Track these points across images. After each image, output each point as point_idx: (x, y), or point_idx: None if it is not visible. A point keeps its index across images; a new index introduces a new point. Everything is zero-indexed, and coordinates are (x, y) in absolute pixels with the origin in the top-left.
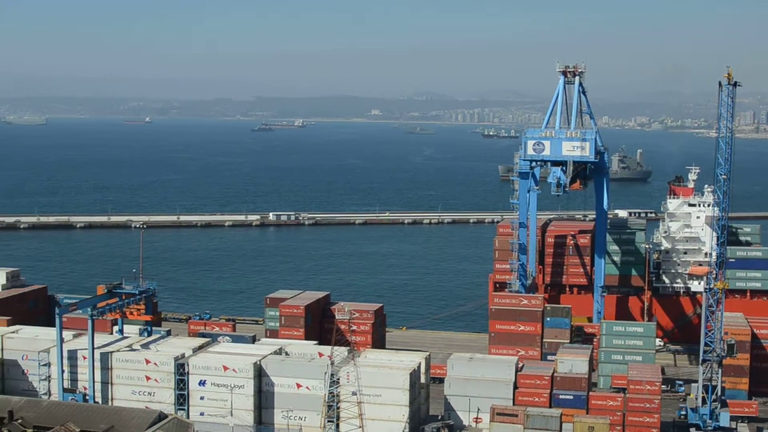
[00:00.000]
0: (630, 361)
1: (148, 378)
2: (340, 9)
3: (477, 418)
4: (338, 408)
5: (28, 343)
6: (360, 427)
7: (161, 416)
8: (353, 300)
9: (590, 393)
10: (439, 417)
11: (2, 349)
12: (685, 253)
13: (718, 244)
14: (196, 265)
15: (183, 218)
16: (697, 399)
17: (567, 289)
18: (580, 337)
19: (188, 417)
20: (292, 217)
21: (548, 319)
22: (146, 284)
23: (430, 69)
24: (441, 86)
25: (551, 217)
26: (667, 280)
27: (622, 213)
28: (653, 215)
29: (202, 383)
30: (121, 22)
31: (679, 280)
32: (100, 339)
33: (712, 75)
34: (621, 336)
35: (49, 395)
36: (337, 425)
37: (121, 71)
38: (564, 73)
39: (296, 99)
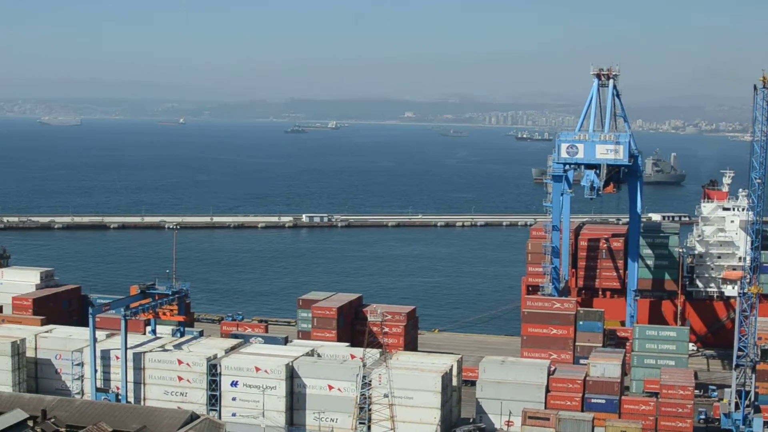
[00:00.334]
0: (663, 366)
1: (180, 378)
2: (375, 14)
3: (509, 421)
4: (370, 410)
5: (61, 343)
6: (392, 429)
7: (193, 417)
8: (386, 302)
9: (623, 397)
10: (471, 420)
11: (36, 349)
12: (719, 257)
13: (752, 248)
14: (228, 266)
15: (216, 219)
16: (730, 404)
17: (600, 292)
18: (613, 341)
19: (220, 418)
20: (325, 219)
21: (581, 322)
22: (179, 285)
23: (464, 72)
24: (475, 89)
25: (584, 220)
26: (700, 285)
27: (656, 217)
28: (687, 219)
29: (234, 384)
30: (155, 26)
31: (712, 285)
32: (133, 339)
33: (747, 78)
34: (654, 340)
35: (82, 395)
36: (369, 427)
37: (156, 74)
38: (598, 76)
39: (330, 101)
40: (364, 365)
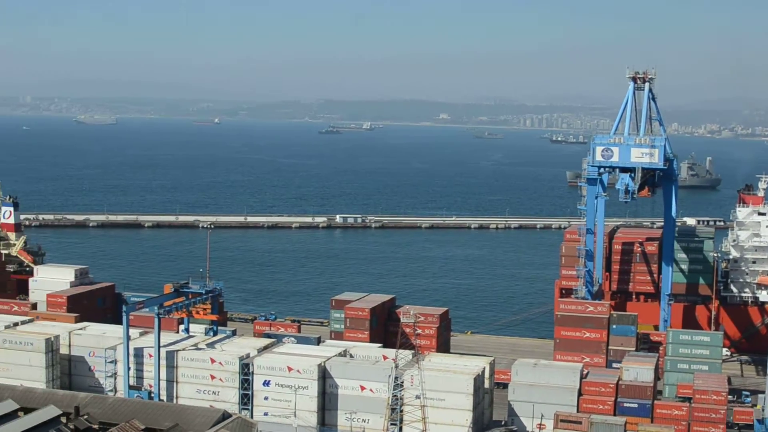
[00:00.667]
0: (696, 371)
1: (212, 377)
2: (410, 15)
3: (540, 424)
4: (401, 411)
5: (95, 340)
6: (423, 430)
7: (225, 415)
8: (418, 303)
9: (655, 402)
10: (503, 422)
11: (70, 346)
12: (754, 262)
13: None
14: (262, 265)
15: (250, 219)
16: (764, 410)
17: (633, 296)
18: (646, 345)
19: (252, 417)
20: (359, 220)
21: (614, 326)
22: (213, 284)
23: (499, 74)
24: (510, 91)
25: (619, 223)
26: (735, 290)
27: (691, 221)
28: (722, 224)
29: (266, 383)
30: (190, 28)
31: (747, 290)
32: (166, 337)
33: None
34: (687, 345)
35: (115, 392)
36: (400, 428)
37: (191, 74)
38: (634, 79)
39: (364, 102)
40: (397, 366)
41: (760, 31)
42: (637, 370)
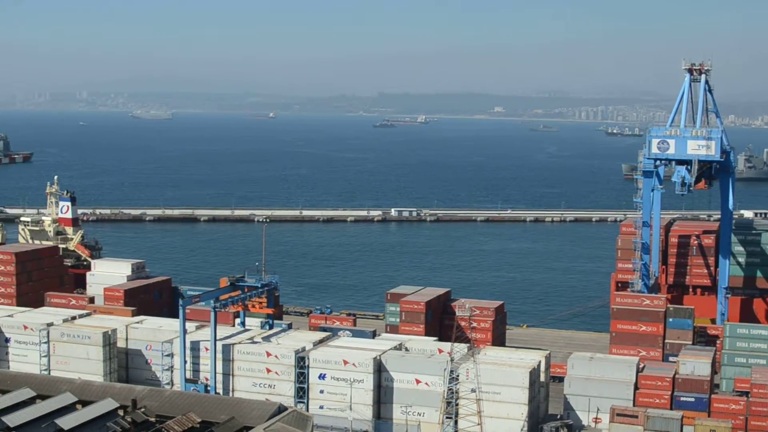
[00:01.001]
0: (754, 365)
1: (268, 370)
2: (465, 7)
3: (596, 418)
4: (457, 405)
5: (151, 334)
6: (478, 424)
7: (281, 408)
8: (474, 297)
9: (712, 396)
10: (558, 416)
11: (127, 339)
12: None
13: None
14: (317, 259)
15: (305, 213)
16: None
17: (690, 289)
18: (703, 338)
19: (307, 410)
20: (414, 213)
21: (671, 319)
22: (268, 278)
23: (554, 67)
24: (565, 84)
25: (675, 216)
26: None
27: (748, 213)
28: None
29: (321, 377)
30: (244, 26)
31: None
32: (222, 331)
33: None
34: (745, 338)
35: (172, 385)
36: (456, 422)
37: (246, 70)
38: (690, 71)
39: (419, 95)
40: (452, 360)
41: None
42: (694, 364)
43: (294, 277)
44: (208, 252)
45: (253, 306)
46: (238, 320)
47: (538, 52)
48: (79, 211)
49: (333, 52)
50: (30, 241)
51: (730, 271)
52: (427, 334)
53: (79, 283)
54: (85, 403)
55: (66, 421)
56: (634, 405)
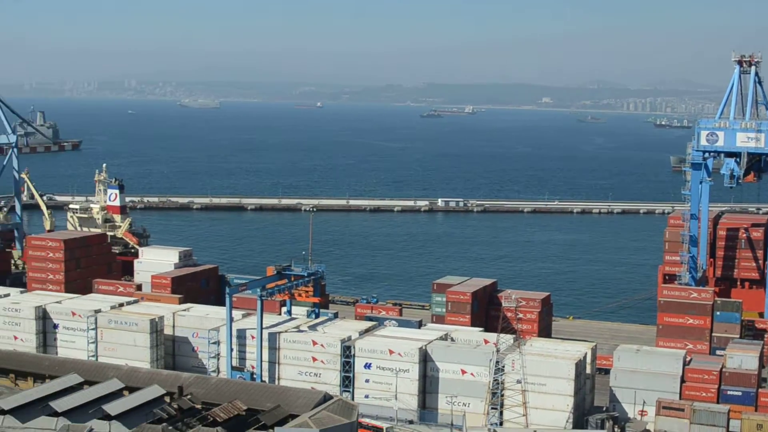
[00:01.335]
0: None
1: (314, 359)
2: None
3: (642, 411)
4: (502, 395)
5: (198, 321)
6: (524, 415)
7: (326, 397)
8: (520, 288)
9: (760, 390)
10: (604, 408)
11: (173, 326)
12: None
13: None
14: (364, 248)
15: (352, 202)
16: None
17: (738, 283)
18: (751, 332)
19: (353, 399)
20: (461, 204)
21: (718, 313)
22: (315, 267)
23: (603, 57)
24: (613, 75)
25: (723, 209)
26: None
27: None
28: None
29: (367, 366)
30: (292, 15)
31: None
32: (269, 319)
33: None
34: None
35: (218, 373)
36: (501, 413)
37: (293, 59)
38: (740, 63)
39: (467, 86)
40: (498, 351)
41: None
42: (742, 358)
43: (340, 266)
44: (255, 240)
45: (300, 295)
46: (284, 309)
47: (585, 43)
48: (127, 199)
49: (383, 45)
50: (78, 229)
51: None
52: (473, 324)
53: (127, 271)
54: (131, 390)
55: (113, 407)
56: (680, 398)
